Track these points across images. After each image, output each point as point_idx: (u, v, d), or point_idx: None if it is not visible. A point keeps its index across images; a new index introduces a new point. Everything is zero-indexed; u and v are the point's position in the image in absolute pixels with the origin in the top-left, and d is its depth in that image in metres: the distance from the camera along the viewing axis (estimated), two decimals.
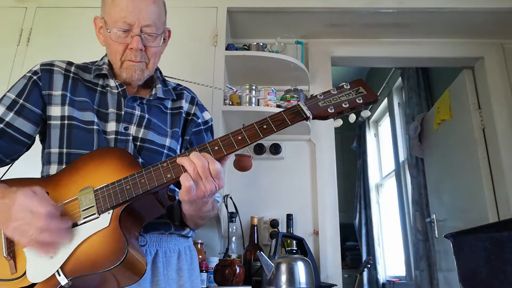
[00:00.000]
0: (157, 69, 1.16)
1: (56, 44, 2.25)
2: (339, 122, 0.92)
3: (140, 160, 0.99)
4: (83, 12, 2.32)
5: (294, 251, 1.95)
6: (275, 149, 2.43)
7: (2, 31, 2.27)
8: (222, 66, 2.20)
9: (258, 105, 2.28)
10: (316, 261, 2.21)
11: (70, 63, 1.11)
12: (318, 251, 2.31)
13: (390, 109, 4.26)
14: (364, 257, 4.40)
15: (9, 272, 0.81)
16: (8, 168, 1.07)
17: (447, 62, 2.82)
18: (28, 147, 1.04)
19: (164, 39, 1.10)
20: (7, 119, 0.99)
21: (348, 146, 5.04)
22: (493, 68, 2.63)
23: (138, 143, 1.01)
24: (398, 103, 4.09)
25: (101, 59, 1.14)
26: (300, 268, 1.81)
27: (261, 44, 2.41)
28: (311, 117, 0.87)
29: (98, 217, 0.82)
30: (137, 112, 1.04)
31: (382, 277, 4.33)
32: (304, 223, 2.38)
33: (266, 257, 1.78)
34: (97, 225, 0.81)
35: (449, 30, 2.61)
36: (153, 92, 1.09)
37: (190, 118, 1.14)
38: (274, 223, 2.31)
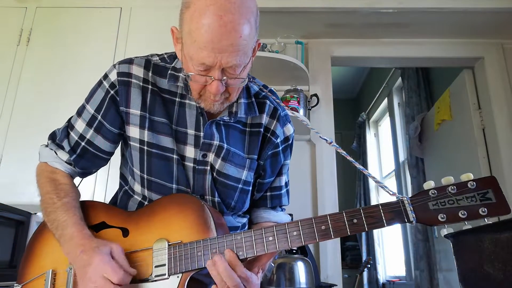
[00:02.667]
0: None
1: (56, 44, 2.26)
2: (449, 230, 0.74)
3: (216, 198, 0.98)
4: (83, 12, 2.32)
5: (294, 251, 1.95)
6: None
7: (2, 31, 2.27)
8: None
9: None
10: (316, 261, 2.21)
11: (147, 67, 0.99)
12: (318, 251, 2.31)
13: (390, 109, 4.26)
14: (364, 257, 4.39)
15: None
16: (82, 180, 1.10)
17: (447, 62, 2.82)
18: (109, 160, 1.05)
19: (253, 52, 0.92)
20: (88, 137, 0.99)
21: (348, 146, 5.04)
22: (493, 68, 2.63)
23: (214, 174, 0.98)
24: (398, 103, 4.09)
25: (180, 67, 0.98)
26: (300, 268, 1.81)
27: (261, 44, 2.40)
28: (414, 222, 0.72)
29: (168, 278, 0.84)
30: (216, 142, 0.97)
31: (382, 277, 4.32)
32: None
33: None
34: (166, 287, 0.83)
35: (449, 30, 2.62)
36: (234, 110, 0.97)
37: (268, 136, 1.04)
38: None
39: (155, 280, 0.84)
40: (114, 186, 1.27)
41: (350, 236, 4.84)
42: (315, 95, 2.51)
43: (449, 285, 2.82)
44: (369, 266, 3.20)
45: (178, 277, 0.83)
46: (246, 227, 1.08)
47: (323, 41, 2.73)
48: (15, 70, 2.18)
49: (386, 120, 4.48)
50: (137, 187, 1.00)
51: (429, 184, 0.73)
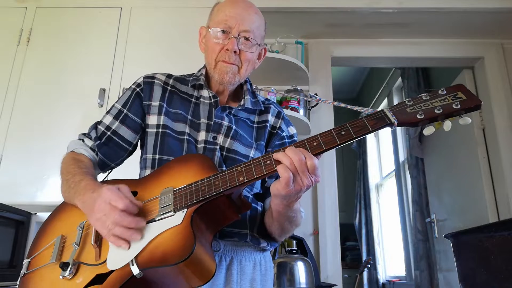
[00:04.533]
0: (248, 80, 1.20)
1: (56, 44, 2.26)
2: (431, 130, 0.82)
3: (224, 168, 1.00)
4: (83, 12, 2.32)
5: (294, 251, 1.95)
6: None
7: (2, 31, 2.27)
8: None
9: None
10: (316, 261, 2.21)
11: (169, 76, 1.17)
12: (318, 251, 2.31)
13: None
14: (364, 257, 4.40)
15: (94, 258, 0.88)
16: (109, 172, 1.17)
17: (447, 62, 2.82)
18: (129, 153, 1.14)
19: (259, 52, 1.16)
20: (113, 127, 1.10)
21: (348, 146, 5.04)
22: (493, 68, 2.63)
23: (224, 153, 1.06)
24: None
25: (199, 71, 1.18)
26: (300, 268, 1.81)
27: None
28: (396, 123, 0.79)
29: (174, 215, 0.86)
30: (226, 123, 1.08)
31: (382, 277, 4.33)
32: (304, 223, 2.37)
33: None
34: (171, 222, 0.85)
35: (449, 30, 2.62)
36: (242, 103, 1.13)
37: (275, 132, 1.15)
38: None
39: (161, 219, 0.86)
40: None
41: (350, 236, 4.85)
42: (315, 95, 2.51)
43: (449, 285, 2.82)
44: (369, 266, 3.20)
45: (183, 212, 0.85)
46: (259, 214, 1.08)
47: (323, 41, 2.74)
48: (15, 70, 2.18)
49: None
50: (147, 173, 1.04)
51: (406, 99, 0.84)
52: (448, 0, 2.39)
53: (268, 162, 0.83)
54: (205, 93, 1.12)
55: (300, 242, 2.08)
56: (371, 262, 3.98)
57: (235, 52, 1.06)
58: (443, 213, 2.96)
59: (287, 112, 2.25)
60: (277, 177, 0.86)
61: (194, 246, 0.78)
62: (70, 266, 0.87)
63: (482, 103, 0.78)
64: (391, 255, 4.32)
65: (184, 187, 0.89)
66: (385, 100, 4.39)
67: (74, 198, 0.94)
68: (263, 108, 1.17)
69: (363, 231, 4.58)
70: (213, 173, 0.88)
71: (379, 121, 0.80)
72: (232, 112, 1.11)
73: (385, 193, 4.59)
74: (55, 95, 2.14)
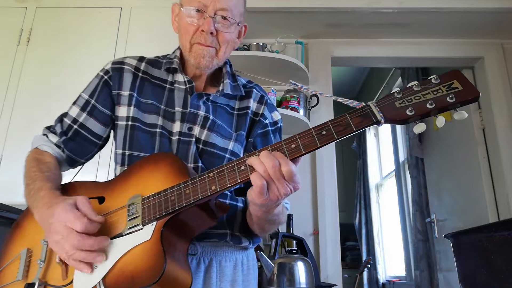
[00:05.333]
0: (228, 62, 1.10)
1: (56, 44, 2.26)
2: (422, 127, 0.72)
3: (200, 164, 0.95)
4: (83, 12, 2.32)
5: (294, 251, 1.95)
6: None
7: (2, 31, 2.27)
8: None
9: None
10: (316, 261, 2.20)
11: (141, 59, 1.07)
12: (318, 251, 2.31)
13: None
14: (364, 257, 4.39)
15: (60, 277, 0.81)
16: (81, 168, 1.09)
17: (447, 62, 2.82)
18: (100, 147, 1.05)
19: (239, 30, 1.05)
20: (80, 120, 1.01)
21: (348, 146, 5.04)
22: (493, 68, 2.63)
23: (200, 146, 0.97)
24: None
25: (173, 52, 1.09)
26: (300, 268, 1.81)
27: (261, 44, 2.41)
28: (383, 120, 0.70)
29: (142, 229, 0.79)
30: (202, 113, 0.99)
31: (382, 277, 4.32)
32: (304, 223, 2.38)
33: (266, 257, 1.77)
34: (140, 237, 0.78)
35: (449, 30, 2.62)
36: (221, 88, 1.03)
37: (257, 118, 1.06)
38: None
39: (129, 233, 0.79)
40: None
41: (350, 236, 4.85)
42: (315, 95, 2.51)
43: (449, 285, 2.82)
44: (369, 266, 3.19)
45: (152, 225, 0.78)
46: (239, 210, 1.01)
47: (323, 41, 2.73)
48: (15, 70, 2.18)
49: None
50: (118, 169, 0.97)
51: (394, 89, 0.73)
52: (448, 0, 2.39)
53: (243, 167, 0.75)
54: (180, 77, 1.03)
55: (300, 242, 2.08)
56: (371, 262, 3.98)
57: (211, 33, 0.96)
58: (443, 213, 2.96)
59: (287, 112, 2.25)
60: None
61: (164, 266, 0.72)
62: None
63: (480, 94, 0.69)
64: (391, 255, 4.32)
65: (152, 195, 0.81)
66: None
67: (33, 207, 0.87)
68: (243, 94, 1.07)
69: (363, 231, 4.58)
70: (184, 177, 0.81)
71: (364, 119, 0.71)
72: (210, 99, 1.02)
73: (385, 193, 4.59)
74: (55, 95, 2.14)
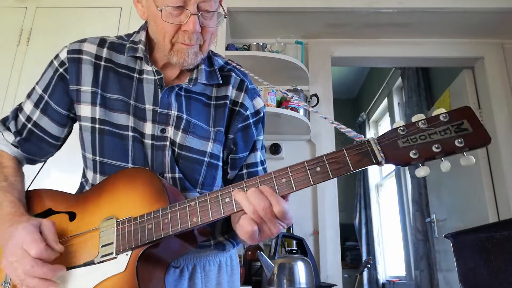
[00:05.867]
0: None
1: (56, 44, 2.24)
2: (425, 171, 0.65)
3: (177, 174, 0.88)
4: (83, 12, 2.32)
5: (294, 251, 1.95)
6: (275, 149, 2.43)
7: (2, 31, 2.27)
8: None
9: None
10: (316, 261, 2.21)
11: (102, 42, 0.94)
12: (318, 251, 2.31)
13: (390, 109, 4.26)
14: (364, 257, 4.40)
15: None
16: (43, 165, 1.03)
17: (447, 62, 2.82)
18: (58, 147, 0.97)
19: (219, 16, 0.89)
20: (34, 118, 0.92)
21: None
22: (493, 68, 2.63)
23: (176, 149, 0.88)
24: (398, 103, 4.09)
25: (138, 33, 0.94)
26: (300, 268, 1.81)
27: (261, 44, 2.41)
28: (383, 162, 0.64)
29: (116, 258, 0.74)
30: (174, 112, 0.88)
31: (382, 277, 4.33)
32: (304, 223, 2.38)
33: (266, 257, 1.78)
34: (113, 268, 0.73)
35: (449, 30, 2.62)
36: (194, 76, 0.91)
37: (237, 109, 0.95)
38: None
39: (102, 261, 0.74)
40: None
41: (350, 236, 4.85)
42: (315, 95, 2.51)
43: (449, 285, 2.82)
44: (369, 266, 3.20)
45: (127, 254, 0.73)
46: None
47: (323, 41, 2.74)
48: (15, 70, 2.18)
49: (386, 120, 4.48)
50: (90, 174, 0.90)
51: (398, 123, 0.67)
52: (448, 0, 2.40)
53: (228, 200, 0.70)
54: (147, 67, 0.90)
55: (300, 242, 2.08)
56: (371, 262, 3.98)
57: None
58: (443, 213, 2.96)
59: (287, 112, 2.25)
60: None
61: None
62: None
63: (492, 140, 0.64)
64: (391, 255, 4.32)
65: (128, 221, 0.75)
66: (385, 100, 4.39)
67: None
68: (220, 82, 0.95)
69: (363, 231, 4.58)
70: (162, 200, 0.75)
71: (363, 158, 0.65)
72: (184, 88, 0.90)
73: (385, 193, 4.59)
74: None
